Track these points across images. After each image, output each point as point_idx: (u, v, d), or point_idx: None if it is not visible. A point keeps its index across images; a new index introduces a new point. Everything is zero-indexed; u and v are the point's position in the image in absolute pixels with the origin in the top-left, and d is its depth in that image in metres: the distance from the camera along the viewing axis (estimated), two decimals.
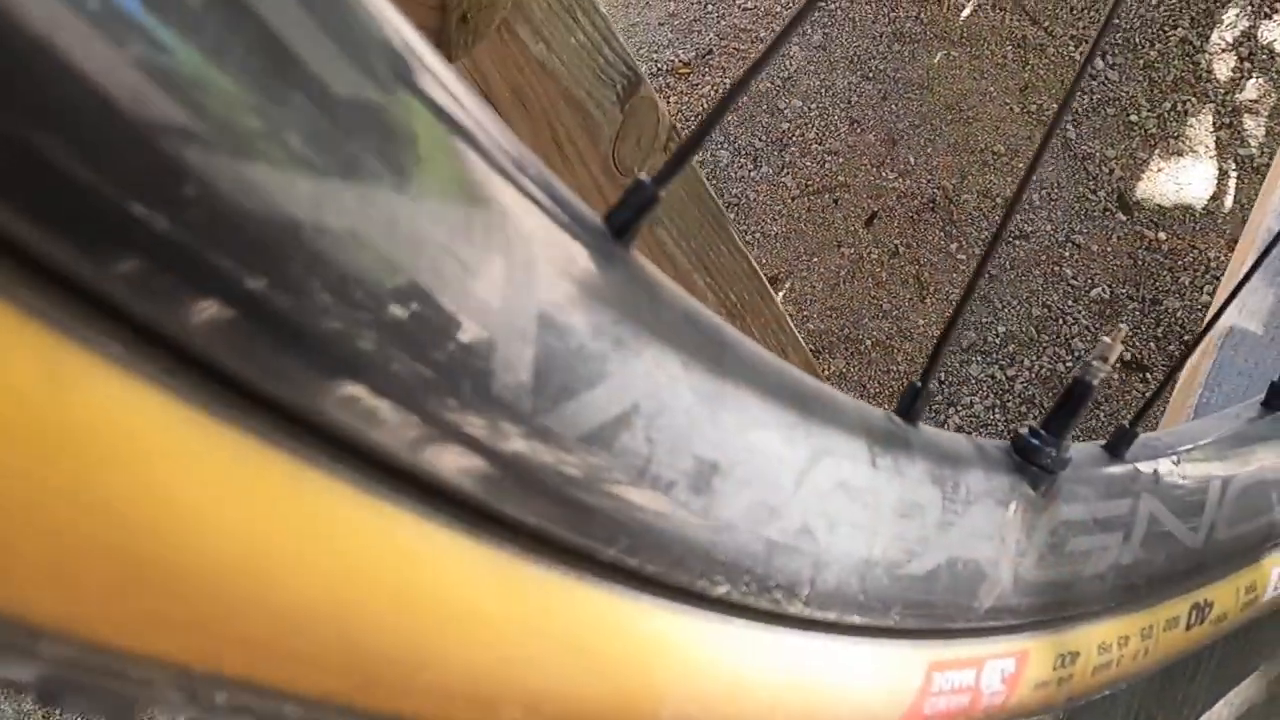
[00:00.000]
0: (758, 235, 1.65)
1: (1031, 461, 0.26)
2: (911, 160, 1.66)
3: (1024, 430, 0.26)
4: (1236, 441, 0.35)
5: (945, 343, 0.23)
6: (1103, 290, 1.42)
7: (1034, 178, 1.52)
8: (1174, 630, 0.32)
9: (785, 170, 1.72)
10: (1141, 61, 1.65)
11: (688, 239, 0.58)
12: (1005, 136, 1.63)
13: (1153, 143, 1.55)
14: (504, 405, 0.13)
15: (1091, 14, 1.73)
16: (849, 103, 1.77)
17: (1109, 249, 1.46)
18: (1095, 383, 0.26)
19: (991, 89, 1.70)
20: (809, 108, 1.79)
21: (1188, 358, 0.29)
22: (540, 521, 0.14)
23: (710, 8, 2.09)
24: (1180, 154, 1.53)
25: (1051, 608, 0.27)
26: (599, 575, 0.15)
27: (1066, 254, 1.48)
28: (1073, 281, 1.45)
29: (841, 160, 1.70)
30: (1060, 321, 1.42)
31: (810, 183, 1.69)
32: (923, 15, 1.86)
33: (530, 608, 0.14)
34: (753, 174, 1.73)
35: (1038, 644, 0.27)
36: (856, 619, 0.21)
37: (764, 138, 1.77)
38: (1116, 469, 0.29)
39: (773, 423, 0.18)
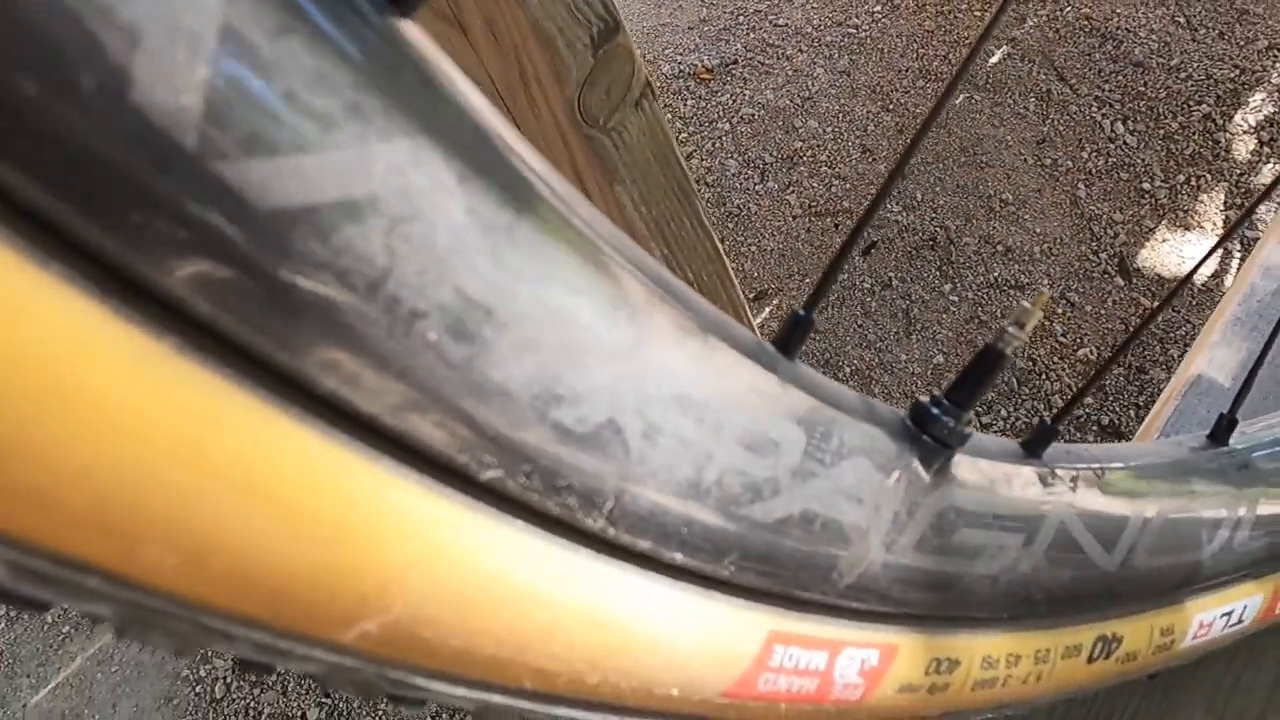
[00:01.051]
0: (753, 248, 1.63)
1: (926, 431, 0.23)
2: (918, 196, 1.64)
3: (924, 398, 0.23)
4: (1174, 470, 0.32)
5: (837, 267, 0.20)
6: (1090, 351, 1.40)
7: (1031, 215, 1.48)
8: (1074, 659, 0.29)
9: (791, 188, 1.70)
10: (1162, 132, 1.63)
11: (649, 205, 0.56)
12: (1015, 186, 1.61)
13: (1161, 213, 1.53)
14: (150, 126, 0.10)
15: (1119, 78, 1.72)
16: (865, 131, 1.75)
17: (1102, 311, 1.44)
18: (1008, 351, 0.23)
19: (1008, 138, 1.68)
20: (824, 130, 1.77)
21: (1129, 345, 0.26)
22: (211, 307, 0.11)
23: (742, 19, 2.07)
24: (1187, 228, 1.51)
25: (930, 604, 0.24)
26: (308, 409, 0.12)
27: (1059, 311, 1.46)
28: (1061, 338, 1.42)
29: (849, 186, 1.68)
30: (1043, 376, 1.39)
31: (814, 204, 1.67)
32: (952, 56, 1.84)
33: (190, 420, 0.11)
34: (758, 187, 1.71)
35: (909, 641, 0.24)
36: (678, 557, 0.18)
37: (775, 153, 1.75)
38: (1029, 466, 0.26)
39: (587, 289, 0.15)
